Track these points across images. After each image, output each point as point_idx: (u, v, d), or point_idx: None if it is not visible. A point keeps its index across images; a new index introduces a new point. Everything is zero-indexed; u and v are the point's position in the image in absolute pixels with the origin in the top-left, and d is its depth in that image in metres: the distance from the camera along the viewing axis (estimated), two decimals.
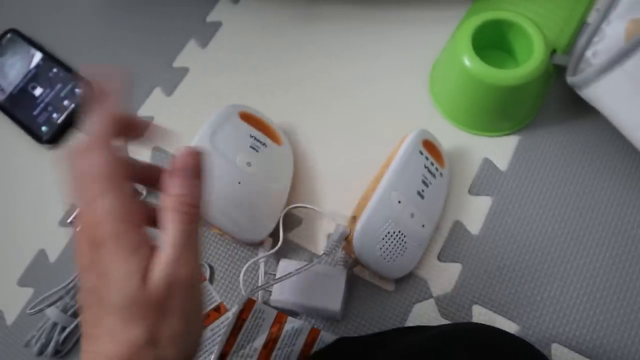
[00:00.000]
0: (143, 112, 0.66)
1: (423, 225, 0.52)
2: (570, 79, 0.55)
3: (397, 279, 0.55)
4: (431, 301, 0.55)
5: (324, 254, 0.50)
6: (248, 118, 0.58)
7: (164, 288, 0.30)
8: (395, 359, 0.39)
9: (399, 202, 0.51)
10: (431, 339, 0.40)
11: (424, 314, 0.54)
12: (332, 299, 0.52)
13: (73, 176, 0.32)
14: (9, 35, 0.71)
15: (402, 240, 0.51)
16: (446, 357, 0.36)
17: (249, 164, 0.55)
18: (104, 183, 0.31)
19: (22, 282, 0.61)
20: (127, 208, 0.31)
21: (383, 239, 0.50)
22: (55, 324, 0.55)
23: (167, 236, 0.32)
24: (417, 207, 0.52)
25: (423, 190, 0.52)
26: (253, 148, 0.57)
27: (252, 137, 0.57)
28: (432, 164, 0.54)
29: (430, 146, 0.55)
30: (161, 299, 0.30)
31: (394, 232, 0.51)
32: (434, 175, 0.54)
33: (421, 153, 0.53)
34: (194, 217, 0.33)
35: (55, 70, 0.68)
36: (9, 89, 0.68)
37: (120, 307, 0.29)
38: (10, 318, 0.59)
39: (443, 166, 0.56)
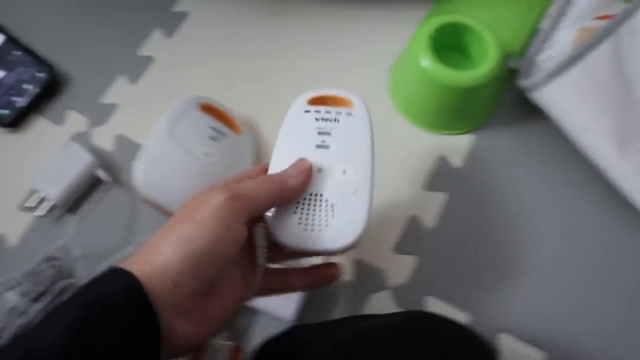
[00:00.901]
0: (107, 99, 0.66)
1: (344, 172, 0.41)
2: (521, 83, 0.58)
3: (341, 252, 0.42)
4: (387, 292, 0.57)
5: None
6: (208, 109, 0.59)
7: None
8: (338, 347, 0.40)
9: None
10: (375, 328, 0.41)
11: (380, 305, 0.56)
12: (286, 307, 0.54)
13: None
14: None
15: (321, 201, 0.40)
16: (384, 347, 0.38)
17: (207, 154, 0.56)
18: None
19: None
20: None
21: (295, 212, 0.40)
22: (13, 309, 0.55)
23: None
24: (322, 158, 0.42)
25: (323, 142, 0.43)
26: (212, 138, 0.57)
27: (212, 127, 0.58)
28: (317, 112, 0.45)
29: (315, 101, 0.47)
30: None
31: (304, 198, 0.40)
32: (336, 120, 0.44)
33: (306, 112, 0.45)
34: (269, 185, 0.38)
35: (17, 52, 0.67)
36: None
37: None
38: None
39: (346, 106, 0.45)
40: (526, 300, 0.56)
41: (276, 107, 0.65)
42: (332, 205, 0.40)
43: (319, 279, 0.44)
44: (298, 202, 0.40)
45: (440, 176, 0.61)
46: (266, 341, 0.46)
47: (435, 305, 0.56)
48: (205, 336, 0.36)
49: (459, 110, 0.60)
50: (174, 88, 0.67)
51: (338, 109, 0.44)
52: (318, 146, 0.42)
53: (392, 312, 0.55)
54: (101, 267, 0.57)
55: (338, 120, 0.44)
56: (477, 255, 0.58)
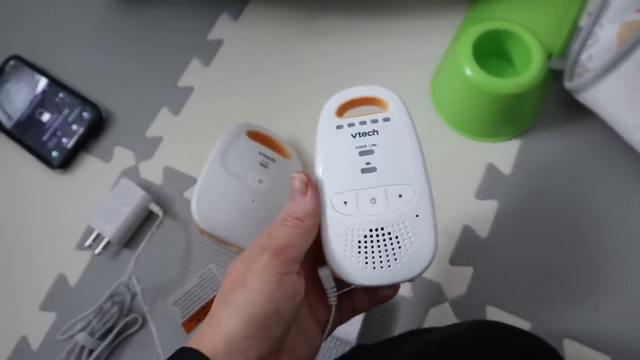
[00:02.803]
0: (151, 132, 0.68)
1: (400, 195, 0.37)
2: (568, 85, 0.58)
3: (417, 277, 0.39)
4: (446, 304, 0.57)
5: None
6: (255, 136, 0.60)
7: None
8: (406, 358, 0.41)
9: (345, 202, 0.37)
10: (438, 340, 0.41)
11: (440, 318, 0.56)
12: (349, 328, 0.54)
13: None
14: (12, 62, 0.71)
15: (384, 235, 0.36)
16: (451, 356, 0.38)
17: (260, 181, 0.57)
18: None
19: (44, 307, 0.62)
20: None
21: (360, 252, 0.36)
22: (83, 347, 0.57)
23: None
24: (371, 184, 0.37)
25: (368, 163, 0.37)
26: (263, 165, 0.58)
27: (261, 154, 0.59)
28: (350, 125, 0.38)
29: (344, 109, 0.40)
30: None
31: (364, 236, 0.36)
32: (374, 132, 0.38)
33: (338, 128, 0.39)
34: (300, 228, 0.35)
35: (61, 95, 0.69)
36: (16, 115, 0.69)
37: None
38: (35, 343, 0.60)
39: (380, 107, 0.40)
40: (586, 305, 0.55)
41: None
42: (397, 238, 0.36)
43: (382, 294, 0.42)
44: (359, 242, 0.36)
45: (490, 184, 0.61)
46: None
47: (495, 315, 0.56)
48: None
49: (505, 117, 0.59)
50: (215, 116, 0.67)
51: (373, 116, 0.38)
52: (364, 170, 0.37)
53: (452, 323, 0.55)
54: (159, 302, 0.59)
55: (377, 132, 0.38)
56: (533, 261, 0.58)
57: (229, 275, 0.35)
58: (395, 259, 0.36)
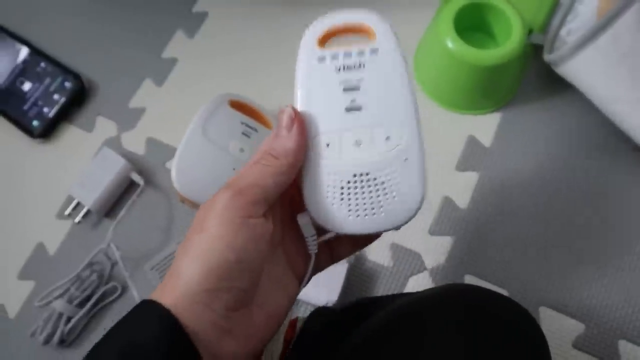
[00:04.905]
0: (134, 103, 0.67)
1: (388, 137, 0.34)
2: (547, 57, 0.58)
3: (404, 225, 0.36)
4: (425, 273, 0.57)
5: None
6: (238, 105, 0.60)
7: None
8: (380, 322, 0.40)
9: (327, 145, 0.34)
10: (415, 301, 0.39)
11: (419, 287, 0.57)
12: (328, 294, 0.54)
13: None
14: None
15: (369, 181, 0.33)
16: (425, 318, 0.37)
17: (242, 150, 0.57)
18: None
19: (23, 275, 0.61)
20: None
21: (342, 199, 0.33)
22: (60, 314, 0.57)
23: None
24: (356, 125, 0.34)
25: (353, 101, 0.33)
26: (245, 134, 0.58)
27: (243, 123, 0.59)
28: (334, 58, 0.34)
29: (326, 38, 0.36)
30: None
31: (347, 182, 0.33)
32: (361, 66, 0.34)
33: (321, 60, 0.35)
34: (272, 167, 0.32)
35: (43, 64, 0.68)
36: None
37: None
38: (12, 311, 0.60)
39: (367, 36, 0.35)
40: (562, 274, 0.56)
41: None
42: (383, 183, 0.33)
43: (364, 240, 0.39)
44: (342, 188, 0.33)
45: (471, 156, 0.61)
46: (316, 309, 0.47)
47: (473, 282, 0.57)
48: (260, 345, 0.33)
49: (485, 90, 0.60)
50: (199, 88, 0.67)
51: (360, 47, 0.34)
52: (348, 109, 0.33)
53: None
54: (140, 270, 0.59)
55: (363, 65, 0.34)
56: (511, 231, 0.58)
57: (192, 221, 0.32)
58: (381, 207, 0.33)
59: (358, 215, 0.33)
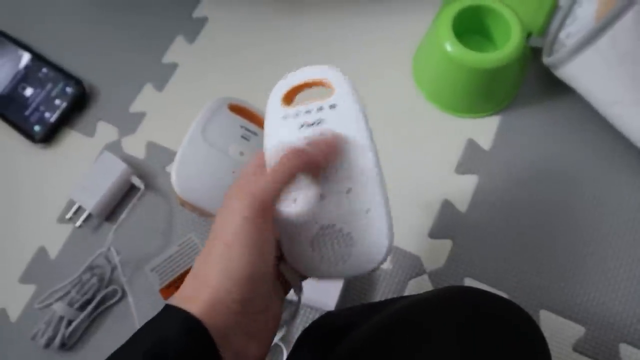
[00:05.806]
0: (135, 108, 0.68)
1: (348, 190, 0.34)
2: (546, 60, 0.58)
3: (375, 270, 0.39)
4: (425, 276, 0.57)
5: None
6: (237, 109, 0.60)
7: None
8: (378, 327, 0.40)
9: (295, 200, 0.34)
10: (415, 304, 0.40)
11: (419, 289, 0.57)
12: (328, 297, 0.54)
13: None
14: None
15: (334, 232, 0.34)
16: (426, 321, 0.38)
17: (241, 153, 0.57)
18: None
19: (24, 279, 0.62)
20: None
21: (313, 249, 0.34)
22: (61, 318, 0.57)
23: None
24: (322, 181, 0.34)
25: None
26: (244, 138, 0.58)
27: (243, 127, 0.59)
28: (296, 115, 0.35)
29: (290, 95, 0.37)
30: None
31: (315, 234, 0.34)
32: (319, 122, 0.34)
33: (284, 118, 0.35)
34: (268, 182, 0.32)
35: (44, 70, 0.69)
36: None
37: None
38: (14, 314, 0.60)
39: (326, 89, 0.36)
40: (562, 277, 0.56)
41: None
42: (349, 234, 0.33)
43: None
44: (312, 240, 0.34)
45: (470, 159, 0.61)
46: (306, 329, 0.47)
47: (473, 285, 0.56)
48: (268, 349, 0.34)
49: (484, 92, 0.60)
50: (199, 92, 0.68)
51: (318, 103, 0.35)
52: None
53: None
54: (141, 272, 0.59)
55: (322, 122, 0.34)
56: (510, 235, 0.58)
57: (211, 230, 0.33)
58: (350, 255, 0.34)
59: (329, 263, 0.34)
